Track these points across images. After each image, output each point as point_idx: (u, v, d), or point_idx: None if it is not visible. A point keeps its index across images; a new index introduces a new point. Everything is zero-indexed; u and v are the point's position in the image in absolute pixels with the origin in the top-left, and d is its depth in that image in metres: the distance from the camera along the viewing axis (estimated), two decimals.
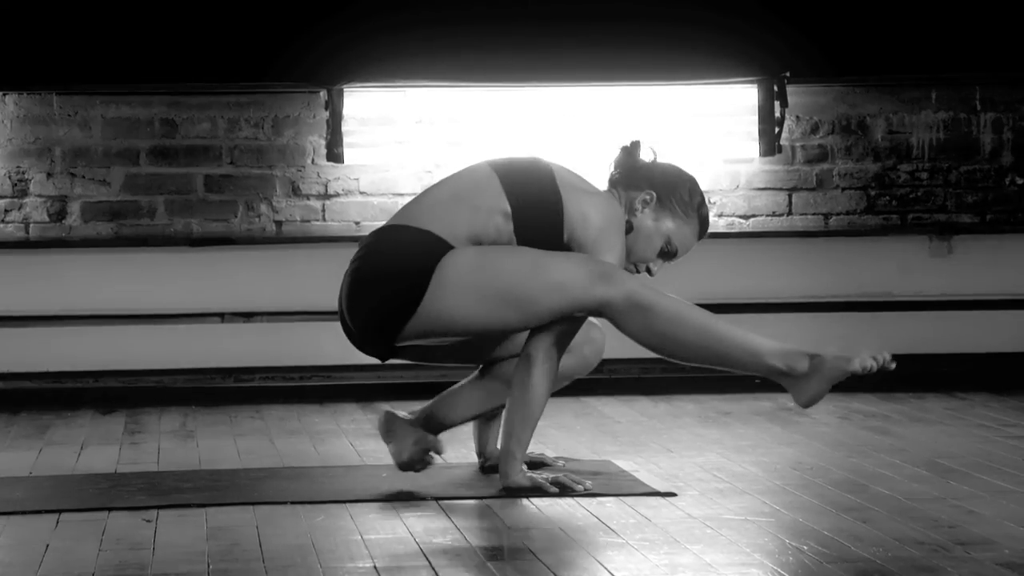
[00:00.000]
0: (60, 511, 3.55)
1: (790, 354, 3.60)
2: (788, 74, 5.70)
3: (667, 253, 3.87)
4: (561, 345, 3.70)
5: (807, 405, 3.62)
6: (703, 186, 5.77)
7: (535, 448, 4.17)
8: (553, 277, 3.62)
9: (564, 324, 3.68)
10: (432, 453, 3.81)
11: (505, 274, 3.65)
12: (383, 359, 3.84)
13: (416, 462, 3.81)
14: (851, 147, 5.86)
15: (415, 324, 3.68)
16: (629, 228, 3.82)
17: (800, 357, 3.60)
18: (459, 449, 4.35)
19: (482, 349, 3.90)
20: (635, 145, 3.97)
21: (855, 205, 5.86)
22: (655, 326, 3.60)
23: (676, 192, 3.86)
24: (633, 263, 3.86)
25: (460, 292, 3.64)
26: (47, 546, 3.22)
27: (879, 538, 3.19)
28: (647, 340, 3.63)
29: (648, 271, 3.89)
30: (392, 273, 3.69)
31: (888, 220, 5.87)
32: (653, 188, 3.86)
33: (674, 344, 3.61)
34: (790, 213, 5.84)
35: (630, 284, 3.62)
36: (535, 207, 3.72)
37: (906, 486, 3.77)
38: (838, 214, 5.86)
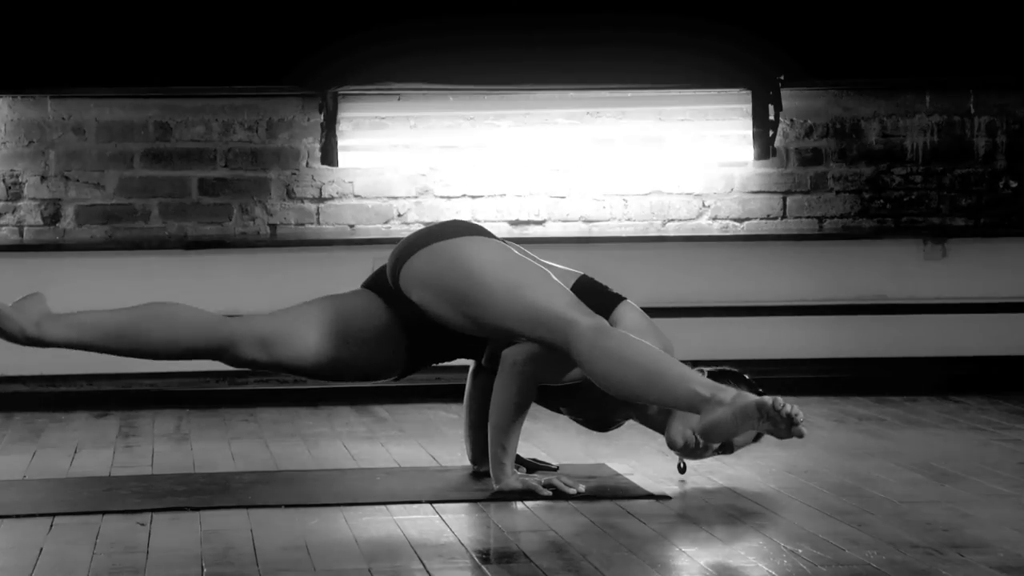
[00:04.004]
0: (54, 514, 3.54)
1: (718, 387, 3.56)
2: (782, 77, 5.71)
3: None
4: (538, 354, 3.70)
5: (703, 429, 3.52)
6: (697, 190, 5.83)
7: (531, 452, 4.17)
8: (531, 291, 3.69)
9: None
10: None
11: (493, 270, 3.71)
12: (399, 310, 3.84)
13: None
14: (845, 150, 5.86)
15: (416, 264, 3.74)
16: None
17: (727, 392, 3.54)
18: (453, 452, 4.35)
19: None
20: None
21: (849, 208, 5.86)
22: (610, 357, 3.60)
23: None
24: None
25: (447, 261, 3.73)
26: (41, 549, 3.22)
27: (874, 541, 3.19)
28: (595, 367, 3.60)
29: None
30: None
31: (882, 223, 5.87)
32: None
33: (618, 380, 3.59)
34: (784, 216, 5.84)
35: (598, 319, 3.65)
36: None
37: (901, 489, 3.77)
38: (832, 217, 5.86)
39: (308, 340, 3.83)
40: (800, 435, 3.41)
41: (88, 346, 3.84)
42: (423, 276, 3.77)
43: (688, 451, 3.78)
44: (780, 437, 3.45)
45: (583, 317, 3.65)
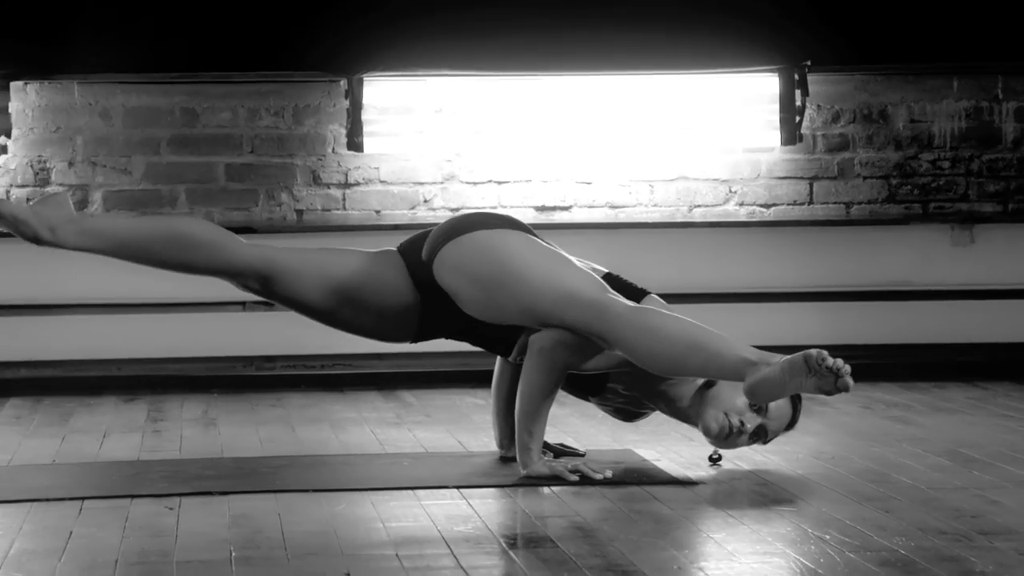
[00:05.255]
0: (83, 498, 3.56)
1: (765, 353, 3.57)
2: (809, 62, 5.69)
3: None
4: (565, 340, 3.70)
5: (751, 387, 3.52)
6: (724, 175, 5.82)
7: (558, 438, 4.17)
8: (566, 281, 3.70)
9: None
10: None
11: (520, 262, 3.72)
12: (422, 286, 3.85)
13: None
14: (872, 136, 5.84)
15: (449, 251, 3.77)
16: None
17: (774, 356, 3.55)
18: (480, 438, 4.36)
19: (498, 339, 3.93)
20: None
21: (876, 194, 5.85)
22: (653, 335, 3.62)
23: None
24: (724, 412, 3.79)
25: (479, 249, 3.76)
26: (71, 533, 3.23)
27: (901, 527, 3.19)
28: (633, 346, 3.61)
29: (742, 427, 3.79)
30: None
31: (910, 209, 5.85)
32: None
33: (662, 355, 3.60)
34: (811, 202, 5.82)
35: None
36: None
37: (928, 475, 3.77)
38: (859, 203, 5.84)
39: (310, 295, 3.86)
40: (846, 388, 3.42)
41: (102, 253, 3.89)
42: (457, 261, 3.78)
43: (723, 438, 3.78)
44: (827, 392, 3.45)
45: (618, 300, 3.67)
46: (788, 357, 3.48)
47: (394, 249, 3.92)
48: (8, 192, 5.54)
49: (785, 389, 3.51)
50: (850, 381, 3.43)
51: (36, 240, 3.82)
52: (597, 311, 3.64)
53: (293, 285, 3.85)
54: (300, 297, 3.87)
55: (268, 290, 3.88)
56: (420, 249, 3.86)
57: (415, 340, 3.95)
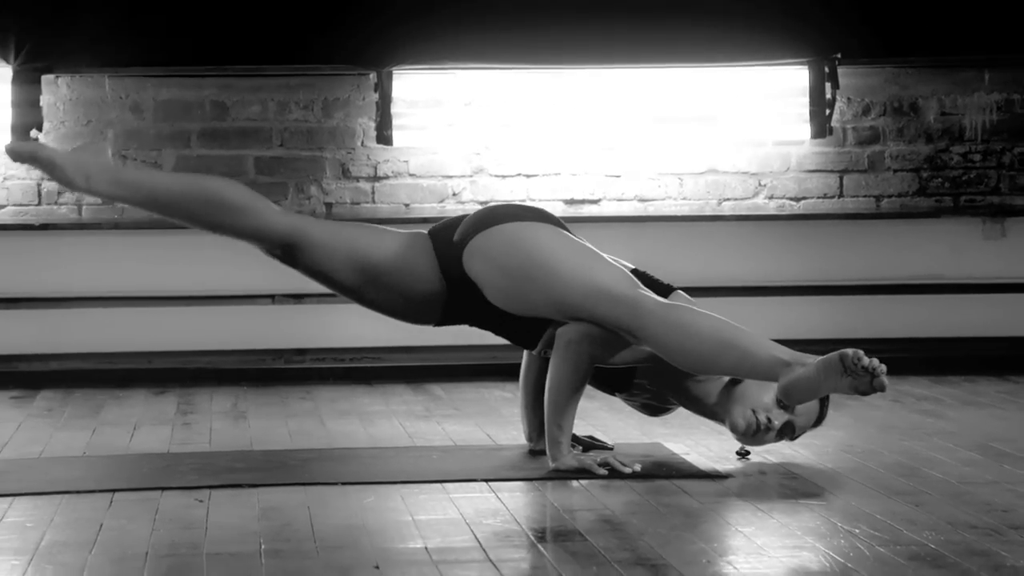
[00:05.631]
0: (114, 490, 3.58)
1: (799, 353, 3.56)
2: (839, 55, 5.67)
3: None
4: (592, 333, 3.70)
5: (785, 387, 3.51)
6: (753, 169, 5.80)
7: (587, 431, 4.17)
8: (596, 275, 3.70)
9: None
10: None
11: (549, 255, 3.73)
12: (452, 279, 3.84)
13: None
14: (903, 129, 5.82)
15: (478, 243, 3.77)
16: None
17: (809, 357, 3.54)
18: (509, 431, 4.36)
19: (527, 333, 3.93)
20: None
21: (907, 187, 5.82)
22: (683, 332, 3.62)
23: None
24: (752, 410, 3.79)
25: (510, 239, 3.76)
26: (101, 525, 3.25)
27: (932, 522, 3.18)
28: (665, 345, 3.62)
29: (769, 423, 3.78)
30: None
31: (940, 202, 5.83)
32: None
33: (693, 352, 3.60)
34: (841, 195, 5.81)
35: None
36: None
37: (959, 469, 3.75)
38: (890, 196, 5.82)
39: (336, 270, 3.84)
40: (882, 387, 3.41)
41: (131, 204, 3.88)
42: (488, 251, 3.77)
43: (751, 435, 3.77)
44: (863, 392, 3.43)
45: (649, 296, 3.67)
46: (823, 357, 3.47)
47: (425, 233, 3.91)
48: (39, 185, 5.56)
49: (820, 390, 3.50)
50: (886, 381, 3.41)
51: (70, 185, 3.82)
52: (629, 306, 3.64)
53: (320, 258, 3.84)
54: (325, 271, 3.86)
55: (293, 259, 3.86)
56: (451, 235, 3.86)
57: (438, 324, 3.95)
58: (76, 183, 3.80)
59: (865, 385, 3.42)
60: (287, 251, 3.85)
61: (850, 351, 3.42)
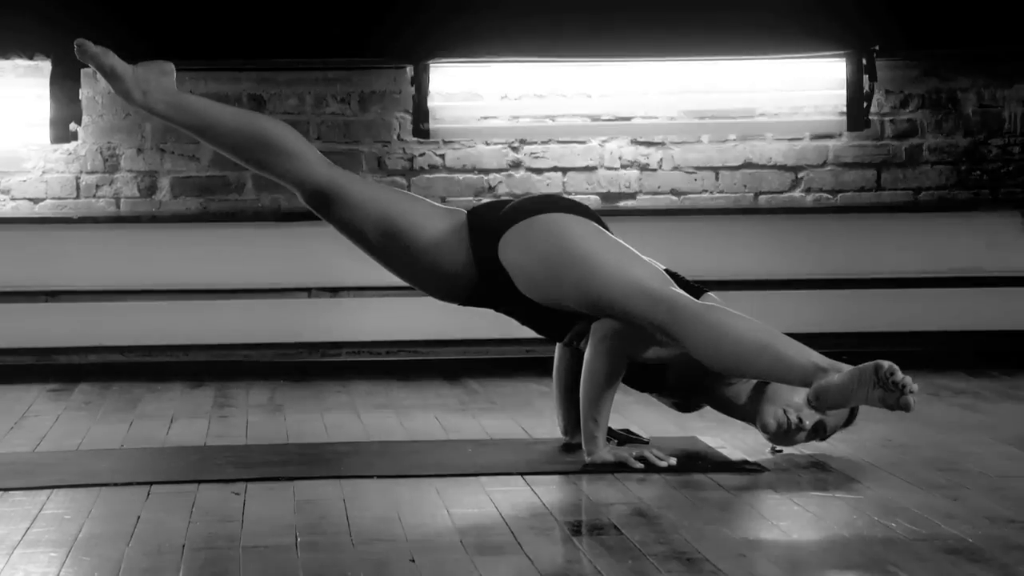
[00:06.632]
0: (151, 483, 3.59)
1: (834, 361, 3.55)
2: (877, 48, 5.64)
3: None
4: (624, 328, 3.70)
5: (817, 391, 3.49)
6: (790, 162, 5.78)
7: (623, 425, 4.17)
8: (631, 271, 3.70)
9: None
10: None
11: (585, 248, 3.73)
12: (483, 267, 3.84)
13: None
14: (941, 121, 5.79)
15: (511, 236, 3.77)
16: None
17: (843, 365, 3.53)
18: (545, 424, 4.36)
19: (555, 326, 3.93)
20: None
21: (945, 180, 5.79)
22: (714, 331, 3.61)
23: None
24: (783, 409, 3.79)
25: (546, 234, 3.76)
26: (138, 518, 3.26)
27: (970, 516, 3.16)
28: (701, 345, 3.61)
29: (800, 423, 3.78)
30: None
31: (979, 195, 5.80)
32: None
33: (728, 353, 3.59)
34: (879, 188, 5.78)
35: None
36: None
37: (997, 463, 3.73)
38: (928, 189, 5.79)
39: (367, 231, 3.86)
40: (907, 406, 3.39)
41: (182, 128, 3.90)
42: (527, 240, 3.77)
43: (781, 435, 3.76)
44: (889, 407, 3.42)
45: (684, 296, 3.68)
46: (857, 367, 3.46)
47: (463, 212, 3.91)
48: (78, 178, 5.59)
49: (851, 398, 3.49)
50: (912, 400, 3.40)
51: (127, 97, 3.85)
52: (665, 305, 3.63)
53: (354, 216, 3.85)
54: (356, 227, 3.87)
55: (326, 210, 3.88)
56: (491, 218, 3.85)
57: (464, 304, 3.95)
58: (133, 96, 3.84)
59: (893, 400, 3.41)
60: (322, 201, 3.86)
61: (885, 363, 3.41)
